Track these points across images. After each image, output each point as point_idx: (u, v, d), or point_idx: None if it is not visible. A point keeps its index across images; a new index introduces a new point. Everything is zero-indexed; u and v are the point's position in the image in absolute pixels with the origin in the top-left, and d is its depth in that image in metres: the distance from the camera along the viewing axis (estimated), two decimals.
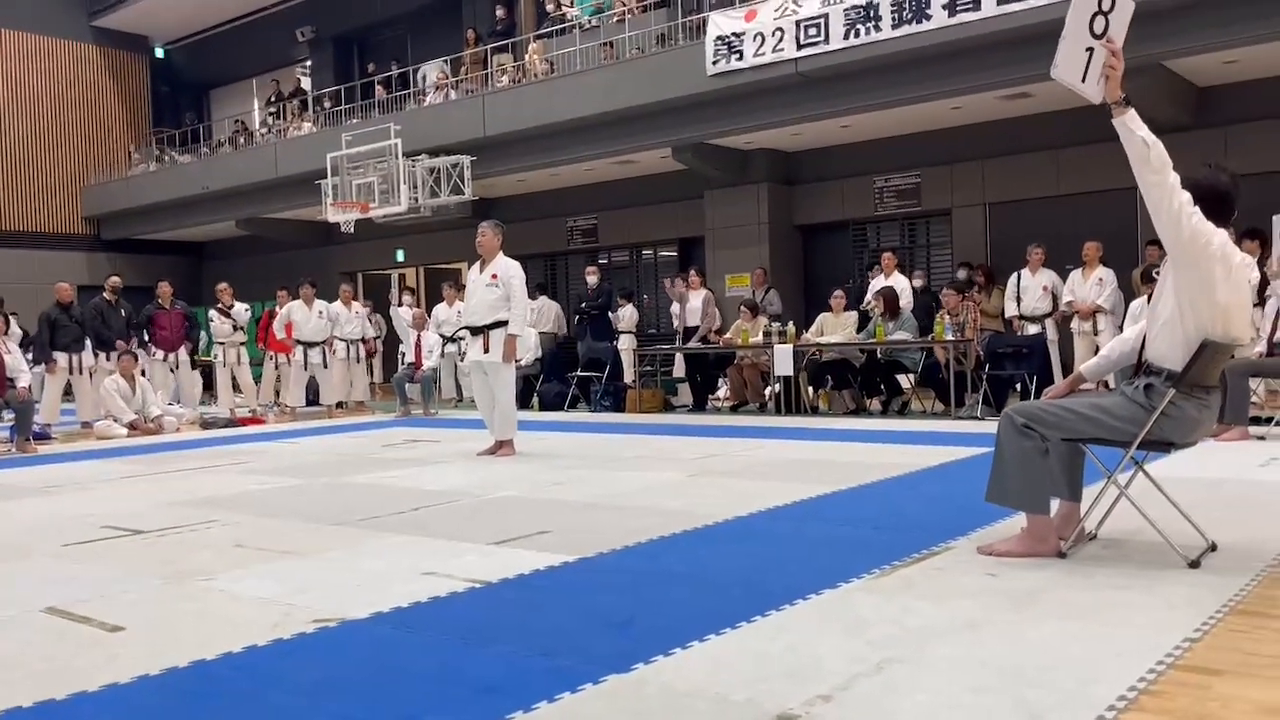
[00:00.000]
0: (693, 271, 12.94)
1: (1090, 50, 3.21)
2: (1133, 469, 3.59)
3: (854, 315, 10.58)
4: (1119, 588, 3.09)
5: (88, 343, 11.19)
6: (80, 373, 11.16)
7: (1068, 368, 9.96)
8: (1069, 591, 3.08)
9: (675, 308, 12.83)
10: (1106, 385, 6.83)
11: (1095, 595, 3.02)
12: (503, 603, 3.22)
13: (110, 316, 11.34)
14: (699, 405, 11.26)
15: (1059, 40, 3.19)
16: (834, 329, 10.32)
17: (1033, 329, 10.14)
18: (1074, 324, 10.01)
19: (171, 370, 11.90)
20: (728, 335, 11.19)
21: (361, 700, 2.37)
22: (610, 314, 13.14)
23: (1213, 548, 3.49)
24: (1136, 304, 8.15)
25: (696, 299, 12.42)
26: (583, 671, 2.48)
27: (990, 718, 2.13)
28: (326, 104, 18.37)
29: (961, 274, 11.31)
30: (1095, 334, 9.79)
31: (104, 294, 11.49)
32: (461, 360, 11.75)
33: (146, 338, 11.65)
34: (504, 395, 7.31)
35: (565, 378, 12.08)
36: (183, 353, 11.85)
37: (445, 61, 16.23)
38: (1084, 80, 3.22)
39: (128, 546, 4.36)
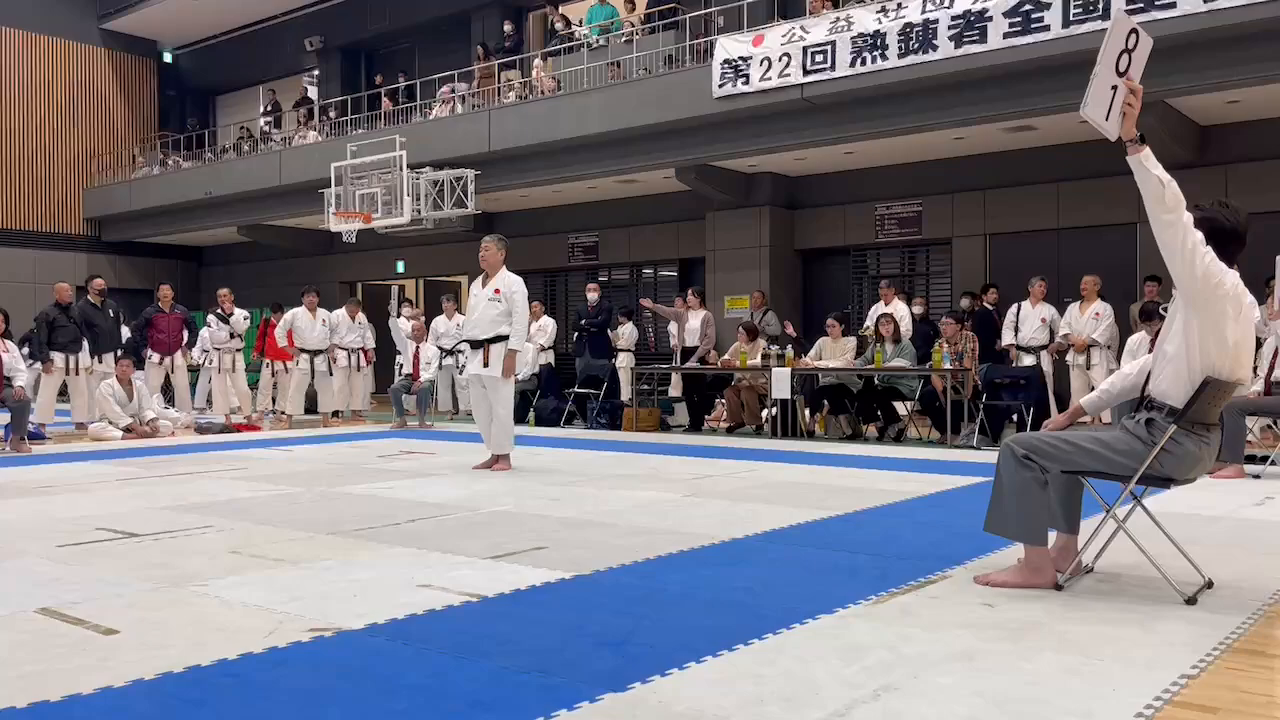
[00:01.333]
0: (690, 292, 12.97)
1: (1115, 88, 3.24)
2: (1131, 503, 3.59)
3: (853, 340, 10.61)
4: (1116, 622, 3.09)
5: (85, 344, 11.17)
6: (77, 373, 11.13)
7: (1061, 400, 9.99)
8: (1066, 624, 3.07)
9: (673, 326, 12.85)
10: (1100, 419, 6.86)
11: (1092, 629, 3.02)
12: (498, 617, 3.21)
13: (97, 319, 11.30)
14: (695, 425, 11.26)
15: (1090, 78, 3.20)
16: (833, 354, 10.34)
17: (1028, 360, 10.18)
18: (1069, 357, 10.05)
19: (168, 374, 11.90)
20: (726, 357, 11.21)
21: (355, 712, 2.36)
22: (610, 332, 13.16)
23: (1209, 585, 3.50)
24: (1134, 339, 8.18)
25: (695, 319, 12.44)
26: (579, 689, 2.48)
27: None
28: (333, 113, 18.44)
29: (965, 302, 11.35)
30: (1088, 368, 9.82)
31: (88, 297, 11.41)
32: (460, 373, 11.74)
33: (144, 340, 11.66)
34: (502, 410, 7.30)
35: (562, 394, 12.08)
36: (179, 356, 11.83)
37: (465, 81, 16.27)
38: (1108, 118, 3.24)
39: (121, 549, 4.34)
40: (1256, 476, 6.69)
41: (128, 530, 4.78)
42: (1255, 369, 6.96)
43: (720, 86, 11.91)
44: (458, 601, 3.38)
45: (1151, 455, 3.33)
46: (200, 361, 13.18)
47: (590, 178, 14.00)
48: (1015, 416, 9.21)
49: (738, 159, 12.85)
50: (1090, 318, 9.93)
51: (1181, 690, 2.49)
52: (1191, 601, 3.29)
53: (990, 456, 3.70)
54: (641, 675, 2.58)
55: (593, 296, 13.24)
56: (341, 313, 12.37)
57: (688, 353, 12.29)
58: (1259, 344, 7.05)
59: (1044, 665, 2.69)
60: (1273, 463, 6.95)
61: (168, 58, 23.06)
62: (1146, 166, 3.19)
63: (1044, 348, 10.26)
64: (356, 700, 2.44)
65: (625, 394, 11.82)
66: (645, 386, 11.79)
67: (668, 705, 2.38)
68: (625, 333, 13.20)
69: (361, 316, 12.58)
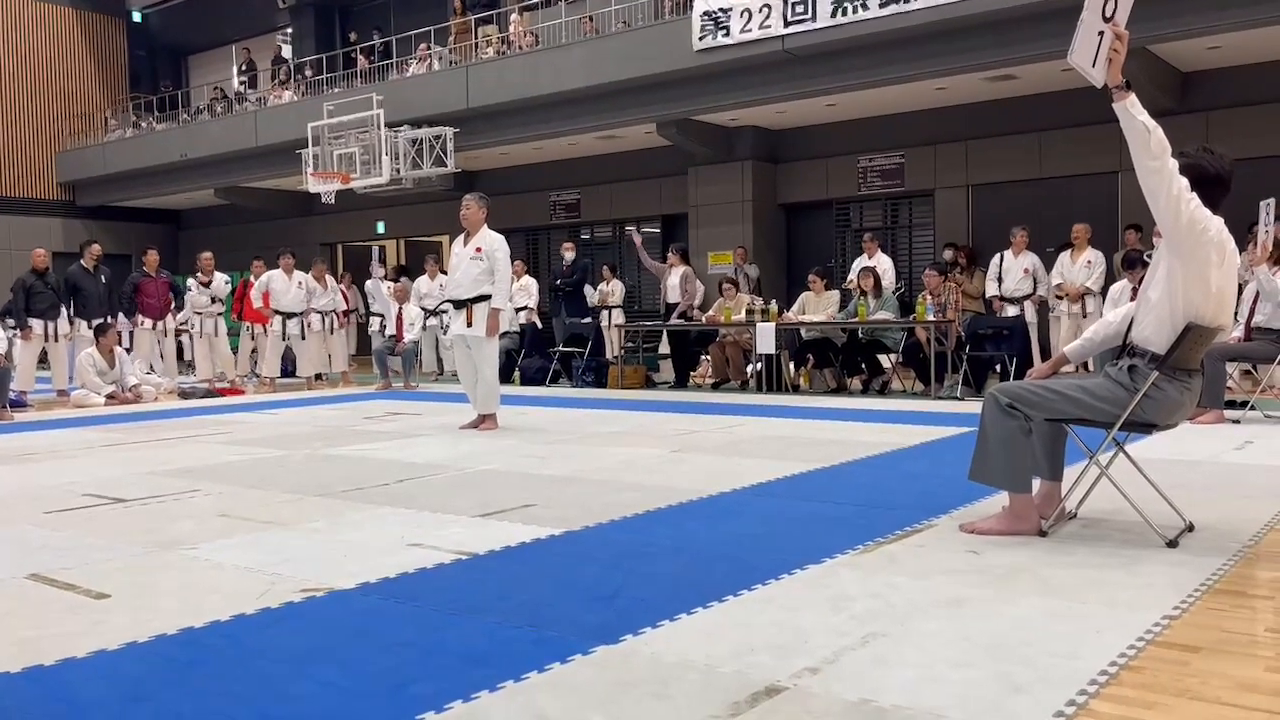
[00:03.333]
0: (672, 249, 12.93)
1: (1101, 34, 3.21)
2: (1114, 449, 3.63)
3: (835, 294, 10.62)
4: (1099, 566, 3.14)
5: (63, 310, 11.09)
6: (56, 340, 11.05)
7: (1045, 350, 10.05)
8: (1050, 569, 3.12)
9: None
10: (1085, 367, 6.91)
11: (1075, 573, 3.07)
12: (489, 574, 3.23)
13: (87, 284, 11.24)
14: (681, 382, 11.28)
15: (1076, 24, 3.18)
16: (816, 308, 10.35)
17: (1012, 310, 10.21)
18: (1061, 305, 10.06)
19: (160, 339, 11.89)
20: (710, 313, 11.21)
21: (350, 670, 2.38)
22: (589, 288, 13.11)
23: (1190, 528, 3.55)
24: (1116, 288, 8.20)
25: (675, 275, 12.42)
26: (571, 642, 2.50)
27: (973, 691, 2.17)
28: (308, 72, 18.17)
29: (948, 254, 11.37)
30: (1084, 316, 9.83)
31: (82, 261, 11.38)
32: (444, 334, 11.70)
33: (133, 306, 11.61)
34: (487, 369, 7.29)
35: (547, 353, 12.07)
36: (169, 321, 11.83)
37: (440, 44, 16.07)
38: (1094, 65, 3.22)
39: (109, 515, 4.34)
40: (1236, 421, 6.77)
41: (115, 495, 4.77)
42: (1235, 315, 7.01)
43: (700, 39, 11.80)
44: (449, 560, 3.39)
45: (1134, 402, 3.36)
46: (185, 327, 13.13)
47: (571, 134, 13.89)
48: (999, 367, 9.26)
49: (719, 113, 12.76)
50: (1082, 266, 9.94)
51: (1164, 631, 2.53)
52: (1173, 544, 3.34)
53: (974, 407, 3.72)
54: (633, 628, 2.60)
55: (568, 255, 13.17)
56: (310, 279, 12.25)
57: (670, 309, 12.28)
58: (1240, 290, 7.09)
59: (1029, 609, 2.73)
60: (1252, 408, 7.03)
61: (137, 17, 22.62)
62: (1132, 113, 3.18)
63: (1028, 298, 10.29)
64: (350, 658, 2.45)
65: (611, 351, 11.82)
66: (630, 344, 11.79)
67: (659, 656, 2.41)
68: (615, 289, 13.14)
69: (330, 280, 12.44)
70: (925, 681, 2.22)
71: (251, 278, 12.43)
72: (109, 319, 11.05)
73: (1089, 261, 9.92)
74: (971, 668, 2.30)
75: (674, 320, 11.79)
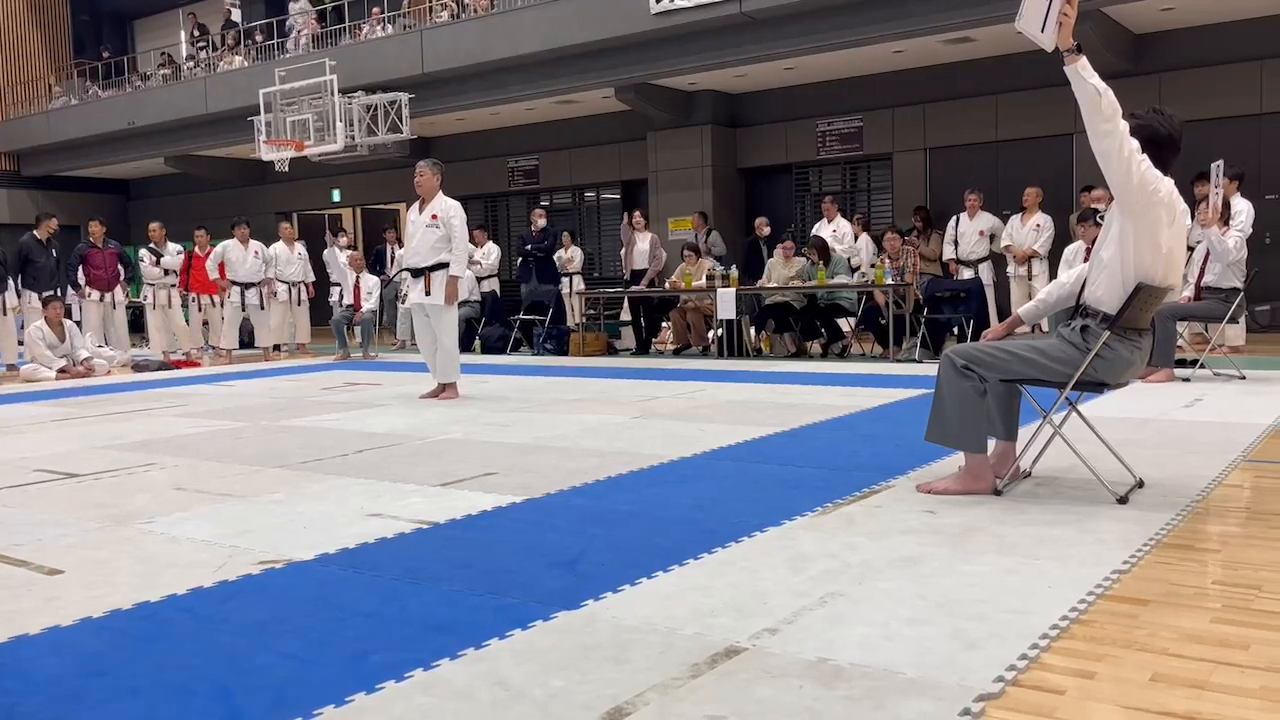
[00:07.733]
0: (638, 214, 12.88)
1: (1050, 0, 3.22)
2: (1067, 409, 3.69)
3: (803, 261, 10.64)
4: (1052, 523, 3.20)
5: (10, 282, 10.85)
6: (4, 313, 10.81)
7: (1004, 311, 10.16)
8: (1004, 527, 3.17)
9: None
10: (1041, 328, 6.99)
11: (1029, 531, 3.12)
12: (450, 543, 3.23)
13: (39, 256, 11.00)
14: (642, 349, 11.29)
15: None
16: (782, 275, 10.38)
17: (968, 273, 10.30)
18: (1010, 268, 10.19)
19: (111, 309, 11.68)
20: (672, 278, 11.20)
21: (309, 640, 2.36)
22: (555, 256, 13.05)
23: (1140, 484, 3.62)
24: (1070, 249, 8.29)
25: (644, 241, 12.38)
26: (533, 609, 2.51)
27: (928, 648, 2.20)
28: (258, 37, 17.78)
29: (915, 219, 11.43)
30: (1030, 279, 9.97)
31: (35, 233, 11.11)
32: (402, 304, 11.60)
33: (80, 278, 11.36)
34: (447, 338, 7.24)
35: (508, 321, 12.01)
36: (118, 293, 11.59)
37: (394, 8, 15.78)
38: (1043, 30, 3.23)
39: (62, 490, 4.27)
40: (1186, 380, 6.89)
41: (68, 470, 4.70)
42: (1185, 275, 7.12)
43: (658, 2, 11.69)
44: (409, 529, 3.38)
45: (1086, 361, 3.41)
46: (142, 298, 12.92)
47: (528, 99, 13.74)
48: (956, 329, 9.35)
49: (677, 77, 12.68)
50: (1031, 229, 10.05)
51: (1114, 585, 2.59)
52: (1123, 501, 3.41)
53: (931, 369, 3.76)
54: (594, 593, 2.62)
55: (540, 222, 13.08)
56: (280, 245, 12.11)
57: (637, 275, 12.24)
58: (1190, 250, 7.19)
59: (984, 567, 2.77)
60: (1202, 366, 7.15)
61: None
62: (1083, 76, 3.20)
63: (983, 260, 10.38)
64: (310, 629, 2.44)
65: (572, 319, 11.78)
66: (591, 311, 11.75)
67: (620, 620, 2.43)
68: (575, 256, 13.07)
69: (300, 246, 12.33)
70: (881, 639, 2.26)
71: (195, 248, 12.23)
72: (58, 291, 10.81)
73: (1038, 225, 10.04)
74: (927, 625, 2.34)
75: (644, 286, 11.75)
